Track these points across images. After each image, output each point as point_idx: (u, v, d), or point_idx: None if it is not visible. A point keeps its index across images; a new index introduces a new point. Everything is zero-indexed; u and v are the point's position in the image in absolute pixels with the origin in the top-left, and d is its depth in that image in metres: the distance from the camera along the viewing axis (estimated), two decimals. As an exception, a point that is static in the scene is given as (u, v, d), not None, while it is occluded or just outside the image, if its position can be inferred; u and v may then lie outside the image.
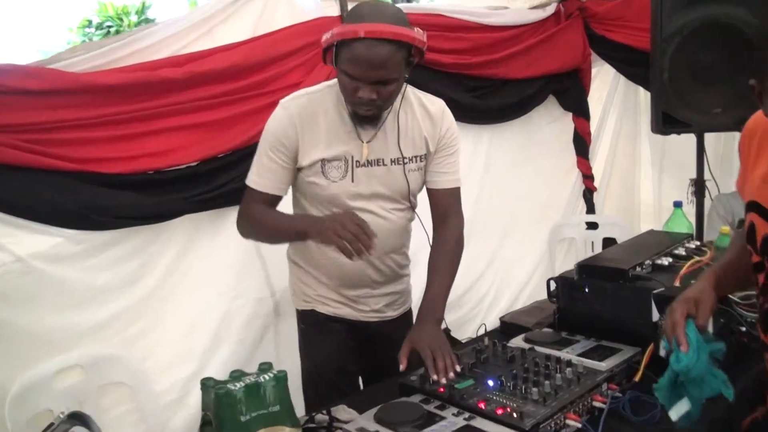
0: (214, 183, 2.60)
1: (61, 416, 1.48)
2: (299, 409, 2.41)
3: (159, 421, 2.50)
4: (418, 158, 2.13)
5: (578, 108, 4.17)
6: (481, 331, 2.40)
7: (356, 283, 2.19)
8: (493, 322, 3.78)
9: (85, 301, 2.39)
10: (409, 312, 2.39)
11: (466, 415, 1.68)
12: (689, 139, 3.64)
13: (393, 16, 1.84)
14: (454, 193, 2.20)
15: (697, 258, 2.24)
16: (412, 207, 2.20)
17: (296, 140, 2.01)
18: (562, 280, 2.26)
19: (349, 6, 3.00)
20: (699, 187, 3.61)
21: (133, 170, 2.40)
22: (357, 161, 2.05)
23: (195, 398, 2.54)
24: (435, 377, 1.82)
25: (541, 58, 3.82)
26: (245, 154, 2.59)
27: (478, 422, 1.65)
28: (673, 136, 3.56)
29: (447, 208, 2.19)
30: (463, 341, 2.95)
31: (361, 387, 2.33)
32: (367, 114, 1.96)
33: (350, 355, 2.26)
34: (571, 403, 1.70)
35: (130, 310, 2.50)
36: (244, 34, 2.73)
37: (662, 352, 1.67)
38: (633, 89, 4.44)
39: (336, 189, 2.05)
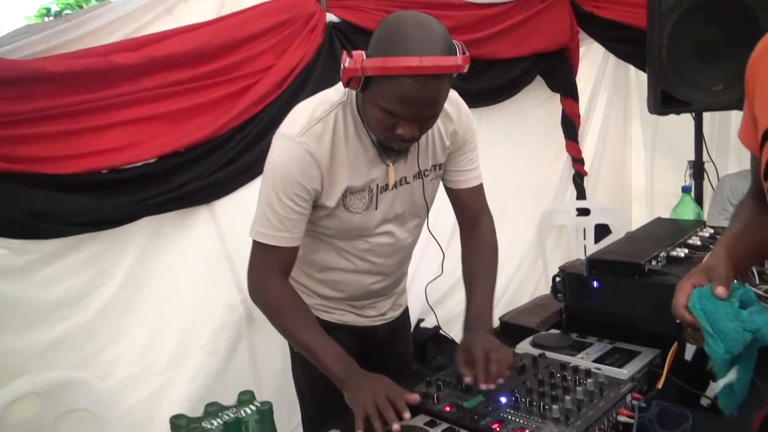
0: (175, 182, 2.37)
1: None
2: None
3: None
4: (437, 167, 1.91)
5: (566, 89, 4.03)
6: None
7: (363, 296, 2.03)
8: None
9: (33, 320, 2.16)
10: (407, 309, 2.25)
11: (479, 440, 1.49)
12: (682, 120, 3.50)
13: (444, 41, 1.51)
14: (480, 191, 2.00)
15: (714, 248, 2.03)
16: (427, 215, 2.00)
17: (320, 181, 1.71)
18: (569, 276, 2.09)
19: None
20: (698, 169, 3.47)
21: (82, 170, 2.15)
22: (382, 187, 1.80)
23: (162, 417, 2.38)
24: (478, 383, 1.62)
25: (528, 37, 3.67)
26: (210, 148, 2.42)
27: (494, 449, 1.46)
28: (667, 118, 3.41)
29: (477, 209, 2.00)
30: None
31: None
32: (401, 149, 1.72)
33: None
34: (597, 420, 1.51)
35: (84, 326, 2.28)
36: (208, 14, 2.49)
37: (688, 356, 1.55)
38: (623, 68, 4.31)
39: (358, 220, 1.81)
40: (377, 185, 1.79)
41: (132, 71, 2.22)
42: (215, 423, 1.41)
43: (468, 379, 1.66)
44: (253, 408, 1.46)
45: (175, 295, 2.51)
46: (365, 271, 1.94)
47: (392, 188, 1.81)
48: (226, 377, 2.61)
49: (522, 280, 4.00)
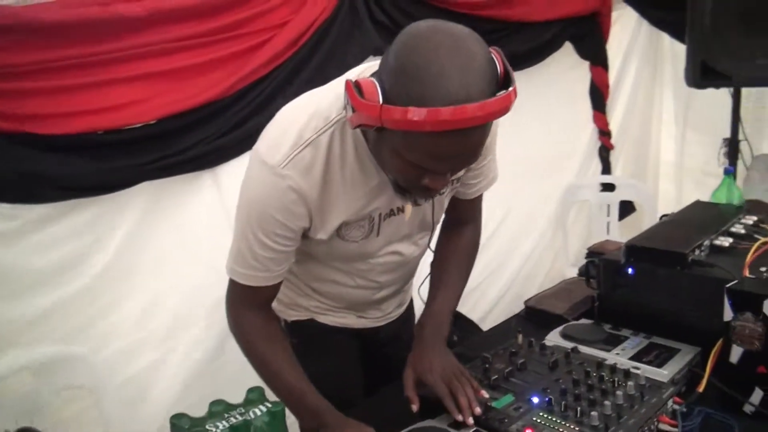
0: (178, 145, 2.20)
1: (8, 433, 1.27)
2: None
3: (120, 419, 2.17)
4: (454, 181, 1.62)
5: (596, 56, 3.82)
6: (498, 317, 2.07)
7: (365, 305, 1.84)
8: (498, 293, 3.56)
9: (21, 289, 2.02)
10: (411, 301, 2.07)
11: (510, 446, 1.38)
12: (716, 95, 3.31)
13: (487, 69, 1.15)
14: (480, 199, 1.80)
15: (763, 239, 1.88)
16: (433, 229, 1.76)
17: (308, 218, 1.43)
18: (604, 262, 1.97)
19: None
20: (733, 148, 3.26)
21: (77, 130, 1.99)
22: (385, 215, 1.54)
23: (158, 392, 2.33)
24: (460, 418, 1.44)
25: (559, -1, 3.43)
26: (217, 109, 2.24)
27: (526, 458, 1.35)
28: (700, 92, 3.19)
29: (468, 216, 1.83)
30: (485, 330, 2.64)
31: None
32: (426, 198, 1.40)
33: (355, 364, 1.92)
34: (639, 429, 1.40)
35: (78, 295, 2.14)
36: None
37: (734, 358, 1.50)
38: (656, 36, 4.08)
39: (355, 248, 1.57)
40: (379, 214, 1.53)
41: (136, 23, 2.04)
42: (220, 426, 1.28)
43: (414, 407, 1.51)
44: (263, 409, 1.33)
45: (173, 266, 2.36)
46: (366, 288, 1.73)
47: (396, 213, 1.56)
48: (227, 349, 2.44)
49: (540, 254, 3.85)
